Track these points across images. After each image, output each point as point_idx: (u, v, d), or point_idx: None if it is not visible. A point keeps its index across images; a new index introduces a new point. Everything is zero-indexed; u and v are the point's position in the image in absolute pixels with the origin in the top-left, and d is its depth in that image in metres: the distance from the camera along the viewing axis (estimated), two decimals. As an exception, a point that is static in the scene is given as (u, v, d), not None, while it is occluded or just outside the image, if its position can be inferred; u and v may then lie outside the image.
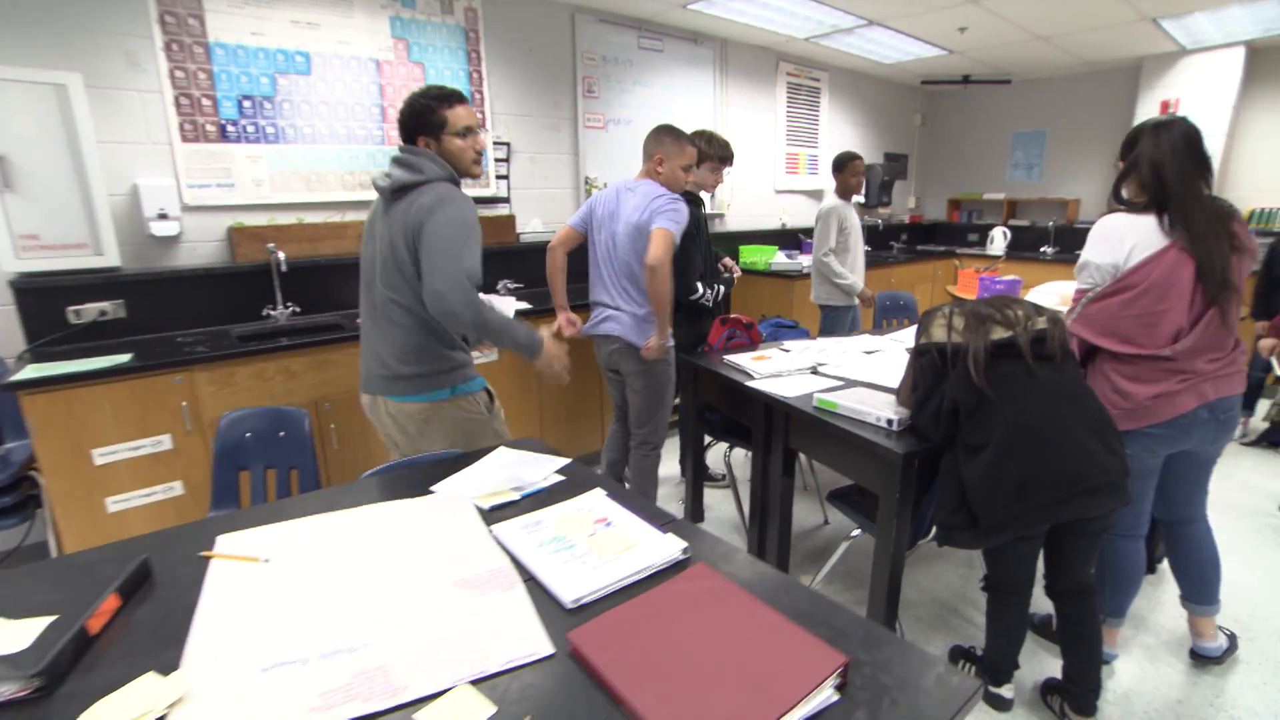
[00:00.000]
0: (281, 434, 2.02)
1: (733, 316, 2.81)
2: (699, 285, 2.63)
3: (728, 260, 2.99)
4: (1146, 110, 4.90)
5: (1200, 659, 1.95)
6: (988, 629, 1.76)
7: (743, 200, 4.73)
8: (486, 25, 3.24)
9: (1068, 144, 5.58)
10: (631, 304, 2.36)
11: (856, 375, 2.23)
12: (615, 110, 3.85)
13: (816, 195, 5.35)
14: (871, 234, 5.79)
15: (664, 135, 2.30)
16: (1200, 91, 4.65)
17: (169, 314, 2.52)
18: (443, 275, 1.54)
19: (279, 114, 2.74)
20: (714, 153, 2.65)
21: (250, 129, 2.68)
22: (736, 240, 4.61)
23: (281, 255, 2.62)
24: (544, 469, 1.48)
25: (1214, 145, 4.56)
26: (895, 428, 1.72)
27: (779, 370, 2.29)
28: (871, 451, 1.70)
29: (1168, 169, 1.59)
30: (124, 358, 2.11)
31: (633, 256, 2.32)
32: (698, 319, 2.76)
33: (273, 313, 2.72)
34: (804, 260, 4.47)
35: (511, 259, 3.45)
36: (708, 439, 2.86)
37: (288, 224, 2.78)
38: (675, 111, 4.13)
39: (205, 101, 2.55)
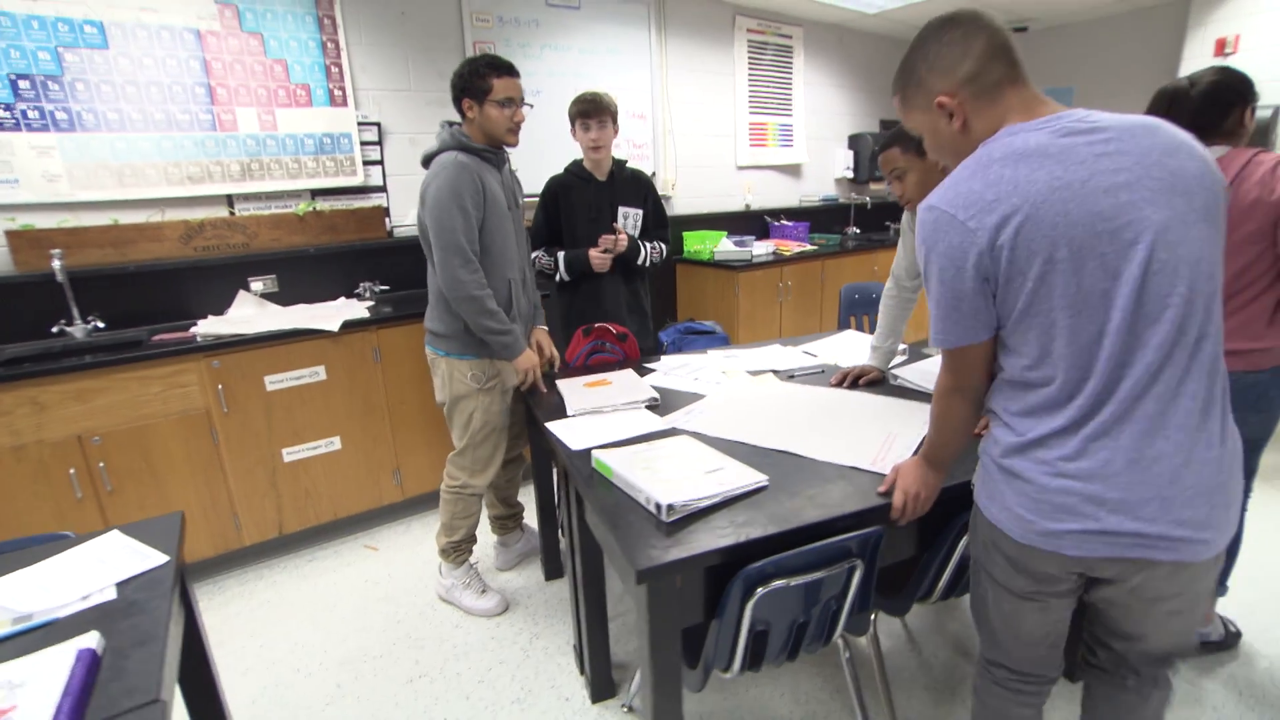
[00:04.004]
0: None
1: (599, 325, 2.29)
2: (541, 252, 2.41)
3: (615, 226, 2.35)
4: (1196, 54, 3.98)
5: None
6: None
7: (693, 179, 4.11)
8: (342, -15, 2.77)
9: (1100, 102, 4.61)
10: None
11: (702, 424, 1.63)
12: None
13: (792, 170, 4.67)
14: (860, 214, 5.06)
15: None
16: (1267, 25, 3.72)
17: (-76, 333, 2.19)
18: (441, 267, 1.80)
19: (71, 96, 2.36)
20: (571, 110, 2.28)
21: (33, 114, 2.30)
22: (683, 225, 4.01)
23: (58, 264, 2.25)
24: (93, 584, 1.03)
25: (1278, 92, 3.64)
26: (666, 516, 1.18)
27: (602, 404, 1.76)
28: (619, 551, 1.16)
29: None
30: None
31: None
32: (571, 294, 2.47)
33: (68, 329, 2.37)
34: (757, 248, 3.85)
35: (380, 257, 3.00)
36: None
37: (88, 226, 2.41)
38: (600, 78, 3.56)
39: (-36, 83, 2.20)
